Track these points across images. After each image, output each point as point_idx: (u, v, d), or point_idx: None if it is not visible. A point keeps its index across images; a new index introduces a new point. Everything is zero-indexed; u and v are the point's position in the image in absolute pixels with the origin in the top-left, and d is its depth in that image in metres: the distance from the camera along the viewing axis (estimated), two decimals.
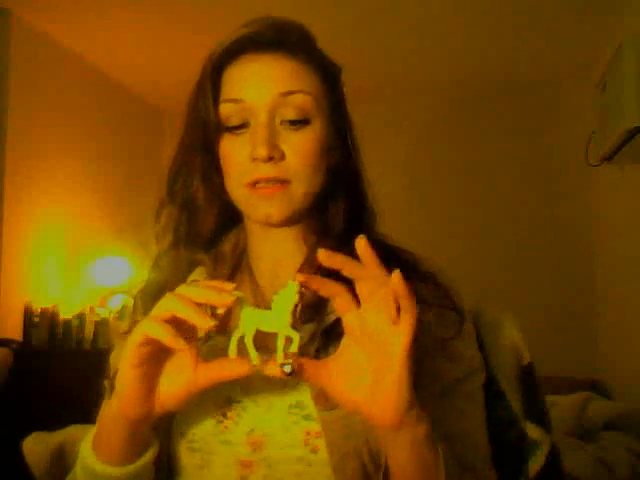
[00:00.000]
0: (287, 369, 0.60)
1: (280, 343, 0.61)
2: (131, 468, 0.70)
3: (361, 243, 0.60)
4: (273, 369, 0.60)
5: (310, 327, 0.73)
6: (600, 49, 3.23)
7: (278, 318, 0.61)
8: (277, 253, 0.83)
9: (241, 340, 0.63)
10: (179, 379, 0.65)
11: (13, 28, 3.03)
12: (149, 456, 0.71)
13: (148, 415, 0.66)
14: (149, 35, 3.29)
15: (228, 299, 0.61)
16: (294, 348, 0.61)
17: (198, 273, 0.82)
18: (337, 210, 0.81)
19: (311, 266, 0.78)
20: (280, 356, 0.61)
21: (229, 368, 0.63)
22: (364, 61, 3.45)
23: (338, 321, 0.66)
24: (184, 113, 0.83)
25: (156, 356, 0.64)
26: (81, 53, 3.47)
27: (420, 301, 0.76)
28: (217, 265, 0.82)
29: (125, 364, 0.63)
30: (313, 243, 0.81)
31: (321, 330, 0.73)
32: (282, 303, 0.61)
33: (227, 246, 0.85)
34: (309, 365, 0.62)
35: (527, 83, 3.83)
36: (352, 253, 0.79)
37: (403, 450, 0.62)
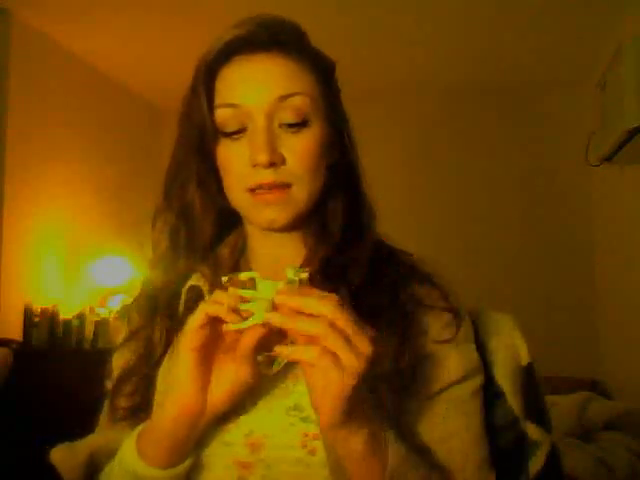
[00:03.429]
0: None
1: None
2: (181, 469, 0.71)
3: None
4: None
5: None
6: (600, 49, 3.23)
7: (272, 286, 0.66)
8: (276, 255, 0.82)
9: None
10: (228, 376, 0.69)
11: (13, 28, 3.03)
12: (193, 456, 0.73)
13: (202, 411, 0.69)
14: (149, 35, 3.29)
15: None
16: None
17: (196, 278, 0.81)
18: (335, 210, 0.81)
19: (310, 267, 0.78)
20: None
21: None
22: (364, 61, 3.45)
23: None
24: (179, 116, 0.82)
25: (208, 345, 0.67)
26: (81, 53, 3.47)
27: (417, 302, 0.76)
28: (216, 269, 0.81)
29: (185, 348, 0.67)
30: (312, 244, 0.81)
31: None
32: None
33: (226, 249, 0.84)
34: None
35: (527, 83, 3.83)
36: (351, 252, 0.79)
37: (345, 455, 0.65)
